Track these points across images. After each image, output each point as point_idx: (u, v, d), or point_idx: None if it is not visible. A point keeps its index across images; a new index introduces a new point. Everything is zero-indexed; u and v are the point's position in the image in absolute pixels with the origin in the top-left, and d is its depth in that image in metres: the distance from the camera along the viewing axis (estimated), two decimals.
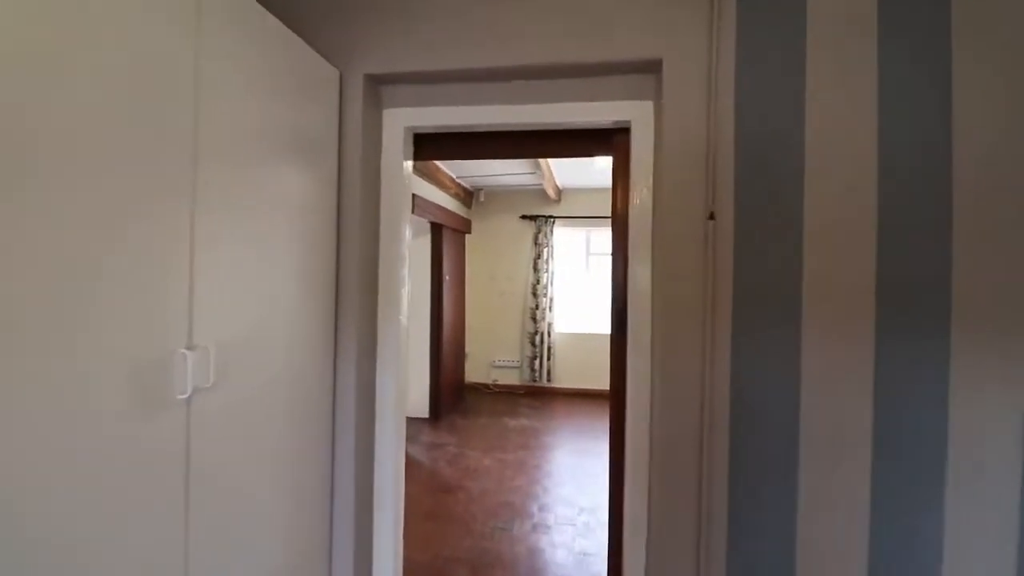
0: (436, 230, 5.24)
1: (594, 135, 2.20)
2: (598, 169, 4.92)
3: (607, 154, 2.22)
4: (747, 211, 1.73)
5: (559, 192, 6.13)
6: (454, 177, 5.52)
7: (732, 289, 1.75)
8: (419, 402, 5.19)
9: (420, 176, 4.48)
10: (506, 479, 3.69)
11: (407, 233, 2.22)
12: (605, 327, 6.47)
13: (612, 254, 2.16)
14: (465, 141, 2.30)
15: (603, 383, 6.56)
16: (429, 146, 2.33)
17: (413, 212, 4.24)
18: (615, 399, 2.13)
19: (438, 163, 4.88)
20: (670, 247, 1.81)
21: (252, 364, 1.40)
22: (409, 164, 2.24)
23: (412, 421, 5.05)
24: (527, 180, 5.76)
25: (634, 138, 2.01)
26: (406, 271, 2.20)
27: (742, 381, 1.74)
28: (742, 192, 1.73)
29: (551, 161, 4.65)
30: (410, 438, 4.33)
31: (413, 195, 4.28)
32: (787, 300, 1.72)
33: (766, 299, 1.73)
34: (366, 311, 2.07)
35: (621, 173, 2.14)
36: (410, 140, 2.24)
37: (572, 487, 3.58)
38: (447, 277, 5.39)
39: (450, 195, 5.57)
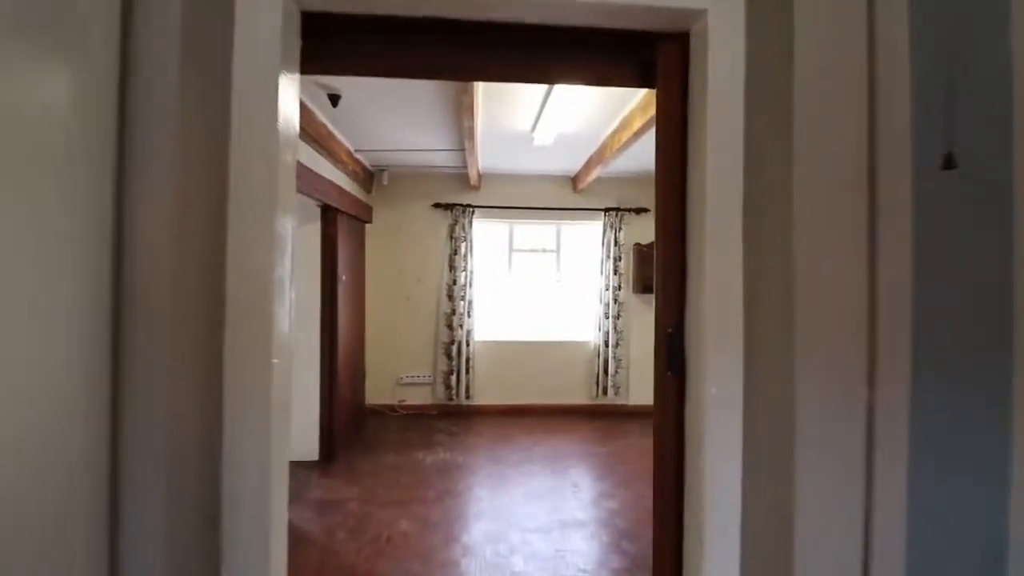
0: (329, 216, 4.06)
1: (621, 45, 1.35)
2: (534, 147, 4.11)
3: (641, 83, 1.38)
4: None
5: (480, 179, 5.24)
6: (351, 150, 4.37)
7: (911, 314, 1.01)
8: (306, 440, 3.98)
9: (306, 140, 3.31)
10: (436, 551, 2.71)
11: (285, 211, 1.18)
12: (533, 334, 5.76)
13: (656, 246, 1.32)
14: (399, 41, 1.33)
15: (530, 397, 5.66)
16: (331, 45, 1.32)
17: (298, 188, 3.08)
18: (661, 485, 1.29)
19: (331, 127, 3.73)
20: (784, 233, 1.01)
21: None
22: (293, 80, 1.21)
23: (297, 468, 3.82)
24: (444, 159, 4.78)
25: (713, 47, 1.20)
26: (284, 274, 1.16)
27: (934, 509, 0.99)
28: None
29: (480, 131, 3.74)
30: (293, 496, 3.17)
31: (300, 164, 3.12)
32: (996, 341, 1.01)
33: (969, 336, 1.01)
34: (195, 345, 1.01)
35: (671, 116, 1.31)
36: (295, 28, 1.22)
37: (528, 556, 2.71)
38: (343, 277, 4.23)
39: (347, 173, 4.41)
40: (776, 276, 1.17)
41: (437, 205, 5.35)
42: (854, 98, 1.14)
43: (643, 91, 2.90)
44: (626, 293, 5.46)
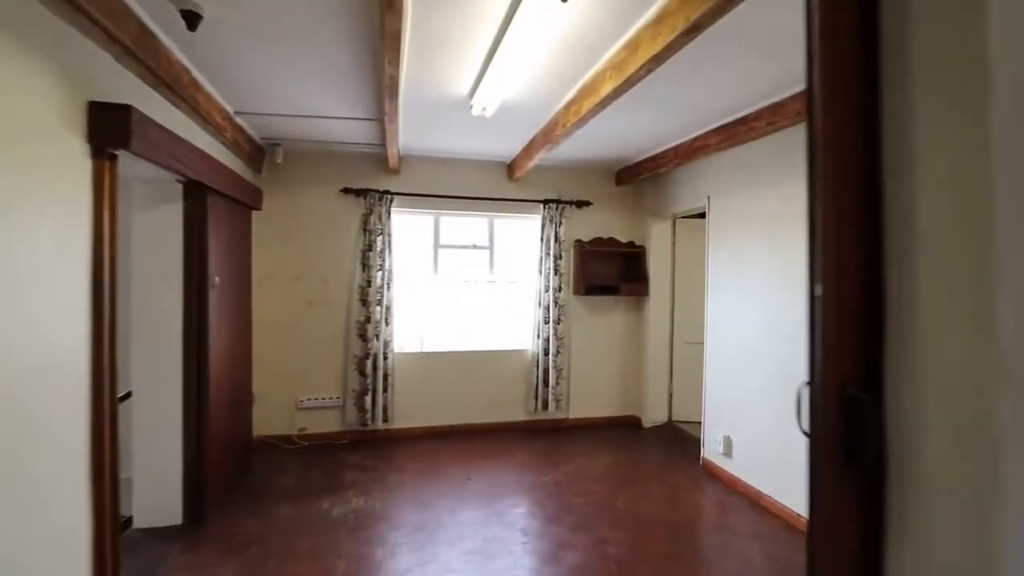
0: (195, 196, 3.04)
1: None
2: (470, 121, 3.38)
3: None
4: None
5: (400, 162, 4.41)
6: (229, 112, 3.36)
7: None
8: (162, 498, 2.95)
9: (156, 85, 2.32)
10: None
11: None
12: (463, 343, 4.98)
13: (819, 241, 0.65)
14: None
15: (461, 416, 4.75)
16: None
17: (140, 152, 2.10)
18: None
19: (196, 74, 2.74)
20: None
21: None
22: None
23: (149, 539, 2.78)
24: (356, 131, 3.89)
25: None
26: None
27: None
28: None
29: (404, 94, 2.95)
30: None
31: (144, 118, 2.13)
32: None
33: None
34: None
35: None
36: None
37: None
38: (216, 279, 3.21)
39: (224, 143, 3.39)
40: None
41: (347, 191, 4.43)
42: None
43: (619, 43, 2.29)
44: (567, 295, 4.90)
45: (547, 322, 4.79)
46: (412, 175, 4.62)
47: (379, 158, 4.46)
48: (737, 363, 3.64)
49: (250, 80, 2.87)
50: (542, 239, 4.80)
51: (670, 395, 5.05)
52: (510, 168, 4.70)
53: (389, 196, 4.44)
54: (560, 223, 4.81)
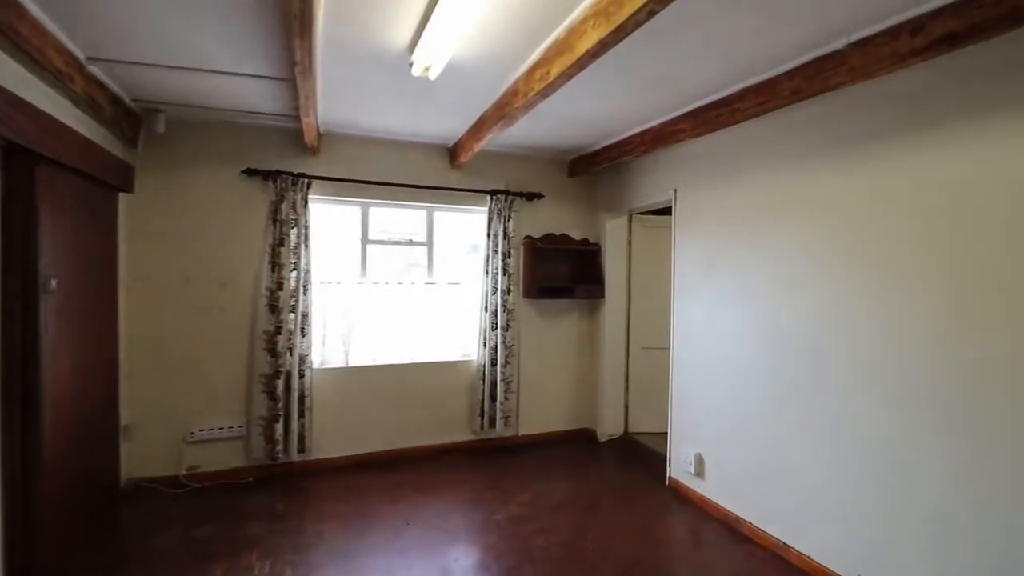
0: (18, 166, 2.17)
1: None
2: (409, 85, 2.75)
3: None
4: None
5: (319, 139, 3.66)
6: (80, 59, 2.49)
7: None
8: None
9: None
10: None
11: None
12: (398, 355, 4.12)
13: None
14: None
15: (395, 440, 4.09)
16: None
17: None
18: None
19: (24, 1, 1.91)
20: None
21: None
22: None
23: None
24: (261, 96, 3.12)
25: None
26: None
27: None
28: None
29: (324, 41, 2.26)
30: None
31: None
32: None
33: None
34: None
35: None
36: None
37: None
38: (54, 281, 2.35)
39: (73, 100, 2.53)
40: None
41: (253, 173, 3.61)
42: None
43: None
44: (516, 298, 4.37)
45: (495, 328, 4.23)
46: (335, 157, 3.88)
47: (293, 134, 3.68)
48: (709, 373, 3.29)
49: (105, 7, 2.06)
50: (489, 235, 4.23)
51: (626, 405, 4.68)
52: (453, 153, 4.09)
53: (306, 180, 3.68)
54: (509, 217, 4.27)
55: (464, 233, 4.45)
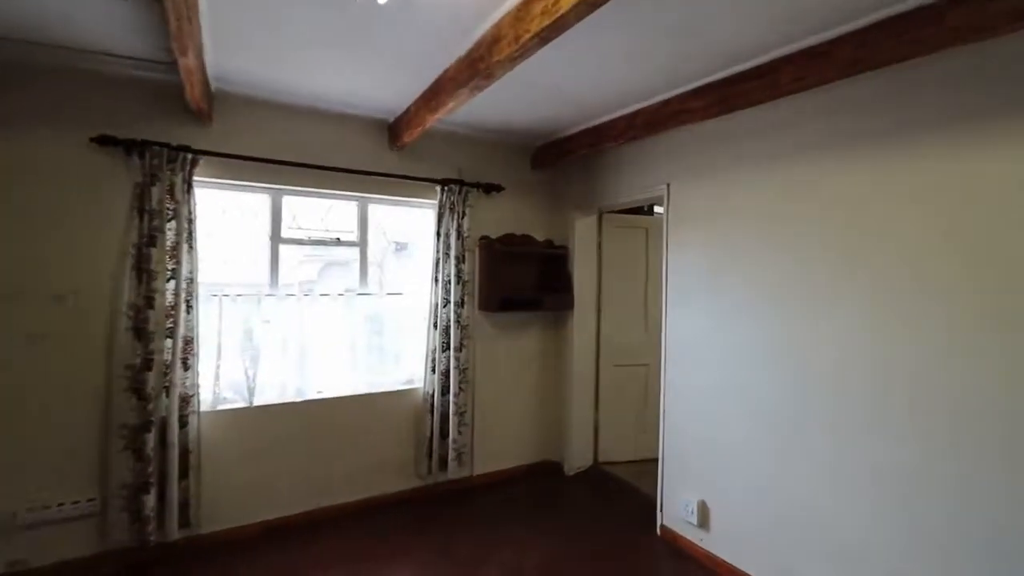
0: None
1: None
2: (338, 29, 1.92)
3: None
4: None
5: (210, 99, 2.67)
6: None
7: None
8: None
9: None
10: None
11: None
12: (319, 386, 3.34)
13: None
14: None
15: (316, 498, 3.07)
16: None
17: None
18: None
19: None
20: None
21: None
22: None
23: None
24: (117, 28, 2.12)
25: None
26: None
27: None
28: None
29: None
30: None
31: None
32: None
33: None
34: None
35: None
36: None
37: None
38: None
39: None
40: None
41: (108, 141, 2.56)
42: None
43: None
44: (471, 310, 3.62)
45: (446, 349, 3.45)
46: (234, 126, 2.90)
47: (171, 91, 2.67)
48: (714, 402, 2.75)
49: None
50: (439, 234, 3.44)
51: (596, 431, 4.08)
52: (395, 130, 3.24)
53: (189, 157, 2.68)
54: (463, 213, 3.49)
55: (407, 232, 3.62)
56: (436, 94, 2.55)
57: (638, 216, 4.15)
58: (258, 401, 3.02)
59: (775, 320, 2.43)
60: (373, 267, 3.46)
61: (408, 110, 2.96)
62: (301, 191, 3.16)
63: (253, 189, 3.05)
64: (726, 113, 2.48)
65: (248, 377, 3.01)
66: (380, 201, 3.43)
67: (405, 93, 2.80)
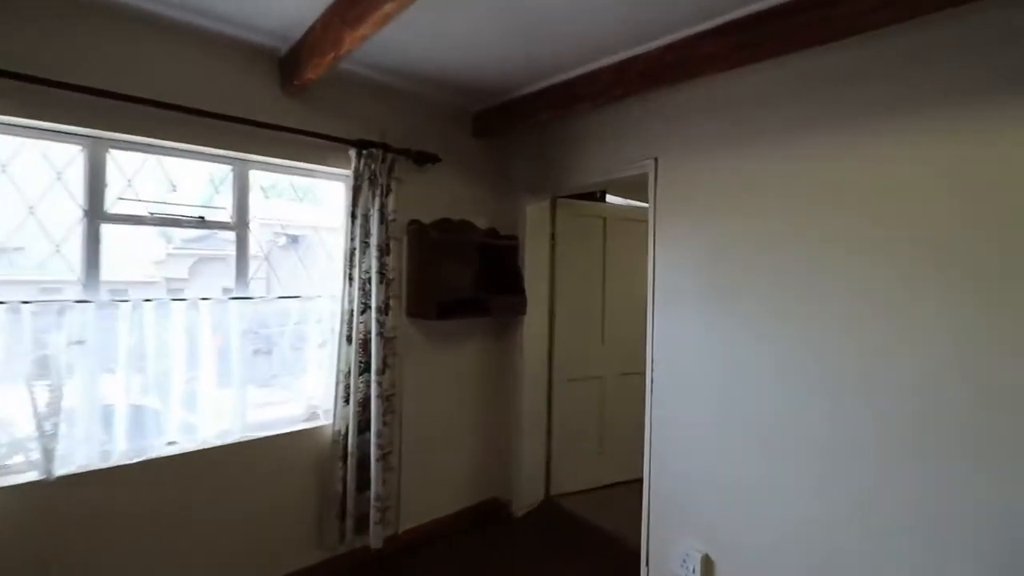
0: None
1: None
2: None
3: None
4: None
5: None
6: None
7: None
8: None
9: None
10: None
11: None
12: (170, 437, 1.95)
13: None
14: None
15: None
16: None
17: None
18: None
19: None
20: None
21: None
22: None
23: None
24: None
25: None
26: None
27: None
28: None
29: None
30: None
31: None
32: None
33: None
34: None
35: None
36: None
37: None
38: None
39: None
40: None
41: None
42: None
43: None
44: (398, 318, 2.75)
45: (365, 370, 2.56)
46: (26, 30, 1.77)
47: None
48: (716, 428, 2.20)
49: None
50: (354, 216, 2.53)
51: (548, 459, 3.41)
52: (291, 65, 2.27)
53: None
54: (388, 189, 2.62)
55: (309, 212, 2.67)
56: (361, 2, 1.68)
57: (598, 204, 3.55)
58: (62, 469, 1.91)
59: (819, 326, 1.92)
60: (258, 260, 2.46)
61: (314, 27, 2.03)
62: (139, 143, 2.09)
63: (59, 137, 1.93)
64: (752, 62, 1.91)
65: (43, 432, 1.89)
66: (267, 166, 2.44)
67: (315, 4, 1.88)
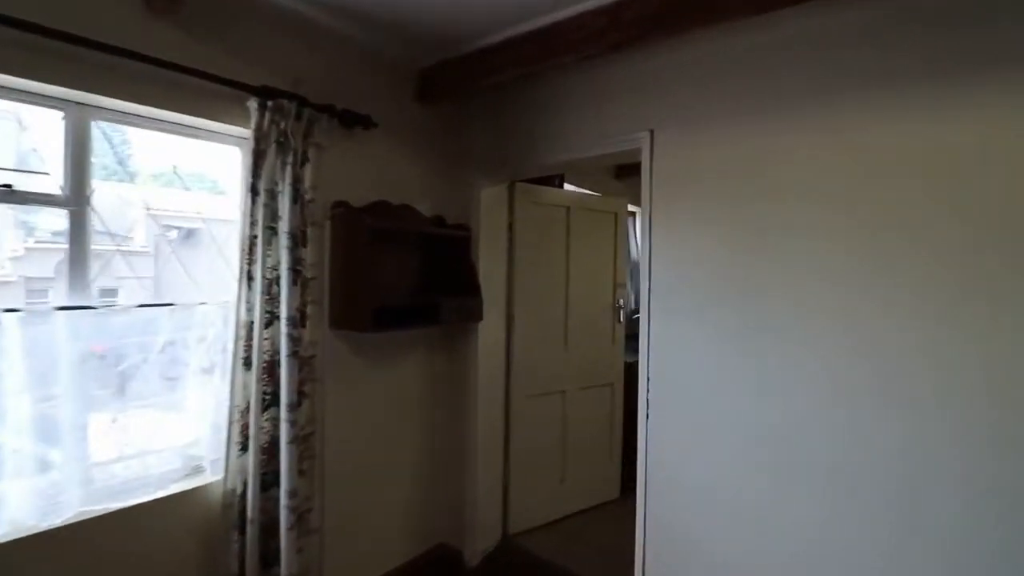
0: None
1: None
2: None
3: None
4: None
5: None
6: None
7: None
8: None
9: None
10: None
11: None
12: None
13: None
14: None
15: None
16: None
17: None
18: None
19: None
20: None
21: None
22: None
23: None
24: None
25: None
26: None
27: None
28: None
29: None
30: None
31: None
32: None
33: None
34: None
35: None
36: None
37: None
38: None
39: None
40: None
41: None
42: None
43: None
44: (318, 330, 2.08)
45: (272, 404, 1.87)
46: None
47: None
48: (737, 467, 1.78)
49: None
50: (255, 191, 1.84)
51: (505, 491, 2.88)
52: None
53: None
54: (304, 157, 1.94)
55: (187, 179, 1.94)
56: None
57: (561, 191, 3.07)
58: None
59: (881, 329, 1.54)
60: (104, 253, 1.70)
61: None
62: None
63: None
64: (781, 7, 1.50)
65: None
66: (119, 117, 1.69)
67: None
